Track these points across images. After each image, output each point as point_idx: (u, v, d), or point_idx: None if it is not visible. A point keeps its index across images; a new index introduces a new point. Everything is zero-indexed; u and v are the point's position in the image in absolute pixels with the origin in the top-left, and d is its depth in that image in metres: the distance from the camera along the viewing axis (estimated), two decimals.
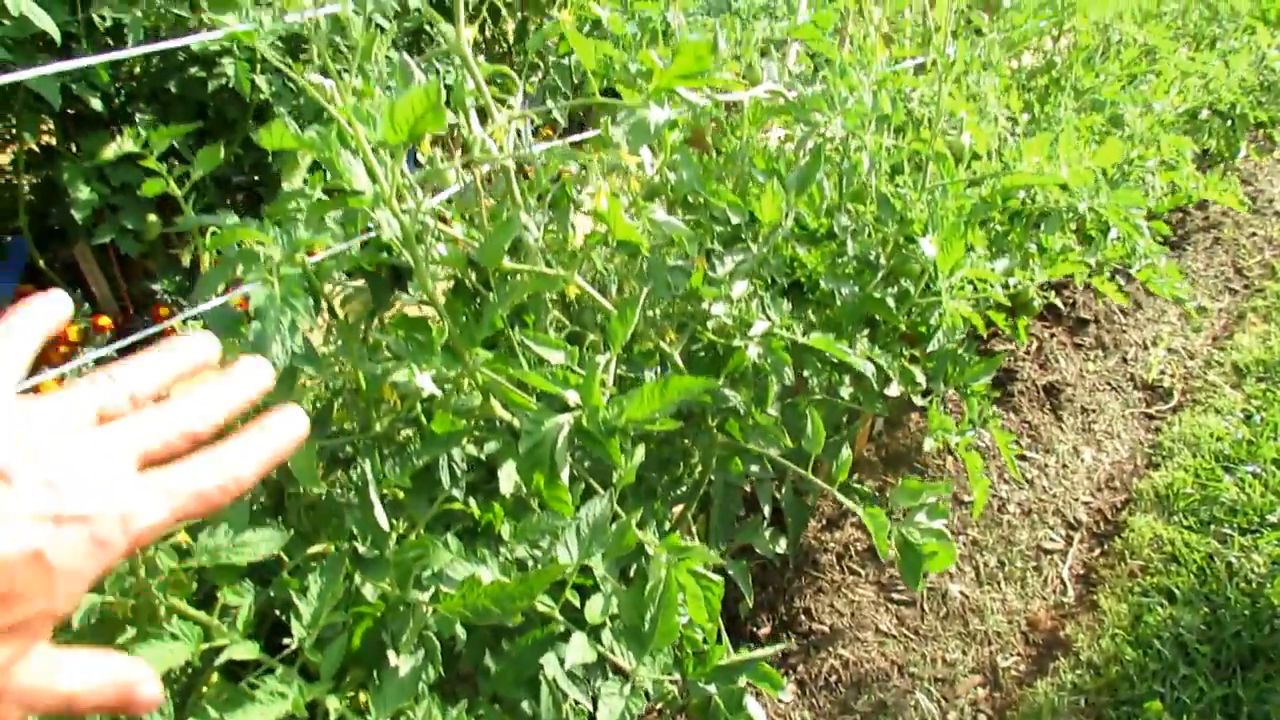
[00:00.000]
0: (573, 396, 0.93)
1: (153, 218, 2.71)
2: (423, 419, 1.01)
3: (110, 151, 1.00)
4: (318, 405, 1.06)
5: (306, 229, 0.79)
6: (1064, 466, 2.46)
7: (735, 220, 1.25)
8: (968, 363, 1.78)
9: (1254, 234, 3.78)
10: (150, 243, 2.75)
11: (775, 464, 1.36)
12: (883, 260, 1.47)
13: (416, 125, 0.70)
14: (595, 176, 0.94)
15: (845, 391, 1.66)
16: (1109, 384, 2.80)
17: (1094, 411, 2.67)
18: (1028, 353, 2.81)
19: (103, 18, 2.28)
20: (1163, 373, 2.86)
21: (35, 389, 2.35)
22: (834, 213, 1.44)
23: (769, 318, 1.24)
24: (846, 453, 1.28)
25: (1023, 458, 2.46)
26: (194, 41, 2.17)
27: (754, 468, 1.45)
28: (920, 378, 1.70)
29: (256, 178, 2.95)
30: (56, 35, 1.96)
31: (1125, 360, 2.90)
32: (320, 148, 0.87)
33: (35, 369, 2.27)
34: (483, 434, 1.10)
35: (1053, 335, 2.91)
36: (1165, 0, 2.41)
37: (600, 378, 0.91)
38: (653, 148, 1.16)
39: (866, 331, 1.62)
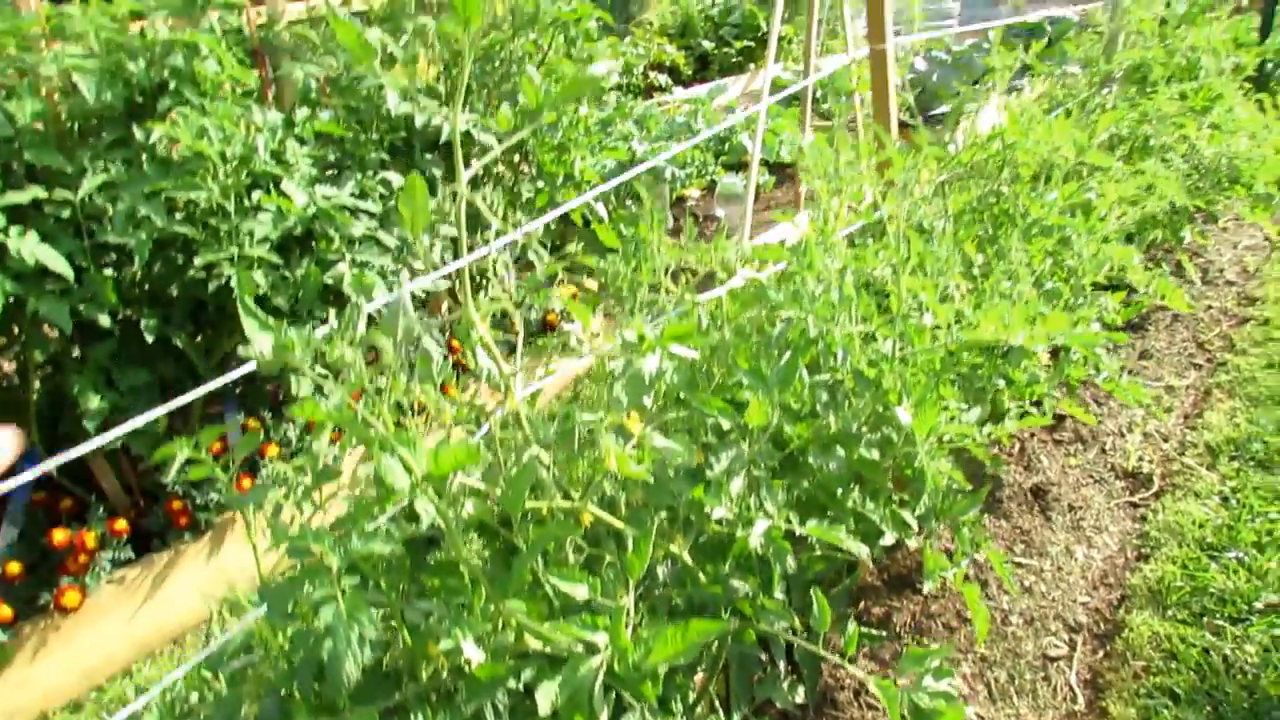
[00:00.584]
0: (601, 638, 1.03)
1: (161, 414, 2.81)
2: (465, 666, 1.10)
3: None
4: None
5: (359, 536, 0.89)
6: (1059, 569, 2.55)
7: (726, 425, 1.36)
8: (955, 499, 1.89)
9: (1209, 306, 3.95)
10: (157, 436, 2.85)
11: (786, 639, 1.45)
12: (864, 430, 1.58)
13: (457, 464, 0.81)
14: (601, 436, 1.05)
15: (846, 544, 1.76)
16: (1092, 477, 2.91)
17: (1081, 508, 2.77)
18: (1011, 455, 2.93)
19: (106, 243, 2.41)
20: (1141, 459, 2.98)
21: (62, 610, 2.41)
22: (816, 390, 1.57)
23: (767, 512, 1.35)
24: (851, 628, 1.38)
25: (1019, 564, 2.55)
26: (199, 260, 2.31)
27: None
28: (911, 521, 1.81)
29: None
30: (69, 273, 2.09)
31: (1104, 451, 3.02)
32: (351, 425, 0.98)
33: (55, 580, 2.32)
34: (517, 663, 1.18)
35: (1033, 435, 3.04)
36: (1100, 123, 2.59)
37: (624, 618, 1.01)
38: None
39: (856, 488, 1.73)
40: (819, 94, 7.48)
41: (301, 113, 2.62)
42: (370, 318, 1.03)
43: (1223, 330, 3.76)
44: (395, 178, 2.91)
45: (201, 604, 2.76)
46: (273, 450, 3.00)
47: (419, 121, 2.83)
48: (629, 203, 5.10)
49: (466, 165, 1.14)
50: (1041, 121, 2.50)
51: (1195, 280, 4.02)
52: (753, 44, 10.22)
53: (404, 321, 1.01)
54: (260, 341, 0.94)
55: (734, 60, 10.21)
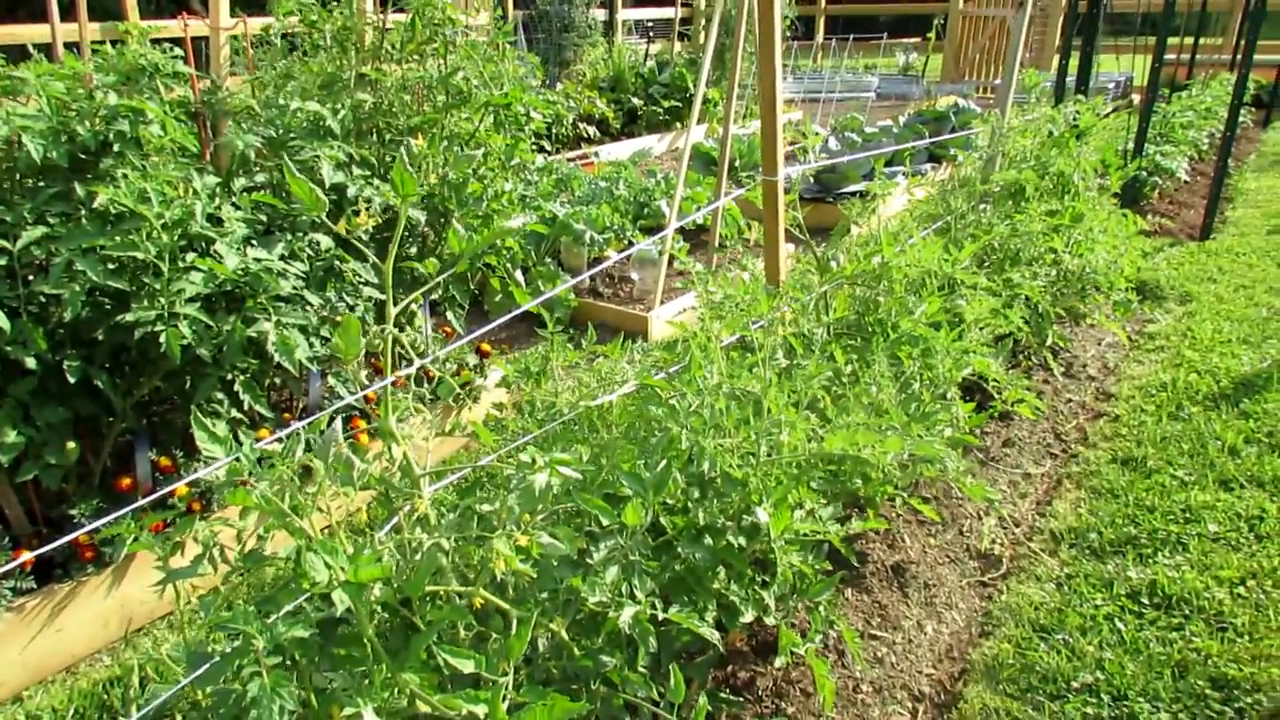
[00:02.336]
0: (481, 710, 1.23)
1: (71, 445, 2.89)
2: None
3: None
4: None
5: (282, 623, 1.08)
6: (910, 641, 2.83)
7: (606, 522, 1.58)
8: (811, 582, 2.15)
9: (1069, 399, 4.36)
10: (67, 468, 2.92)
11: (650, 708, 1.67)
12: (729, 523, 1.82)
13: (372, 577, 1.01)
14: (498, 539, 1.26)
15: (709, 617, 1.99)
16: (949, 556, 3.22)
17: (935, 585, 3.07)
18: (878, 535, 3.22)
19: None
20: (994, 542, 3.30)
21: None
22: (690, 488, 1.80)
23: (636, 599, 1.57)
24: (702, 700, 1.60)
25: (875, 636, 2.82)
26: (130, 316, 2.45)
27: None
28: (771, 601, 2.05)
29: (178, 400, 3.16)
30: (5, 325, 2.21)
31: (962, 533, 3.34)
32: (280, 517, 1.17)
33: None
34: None
35: (899, 516, 3.34)
36: (965, 251, 2.92)
37: (503, 694, 1.21)
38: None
39: (723, 570, 1.97)
40: (736, 161, 7.87)
41: (240, 181, 2.77)
42: (308, 443, 1.23)
43: (1079, 423, 4.16)
44: (325, 240, 3.08)
45: (99, 634, 2.84)
46: (183, 490, 3.09)
47: (351, 191, 3.01)
48: (548, 260, 5.33)
49: (396, 303, 1.34)
50: (915, 245, 2.81)
51: (1058, 376, 4.43)
52: (680, 104, 10.64)
53: (333, 449, 1.21)
54: (211, 450, 1.12)
55: (661, 118, 10.60)
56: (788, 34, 12.09)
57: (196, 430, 1.13)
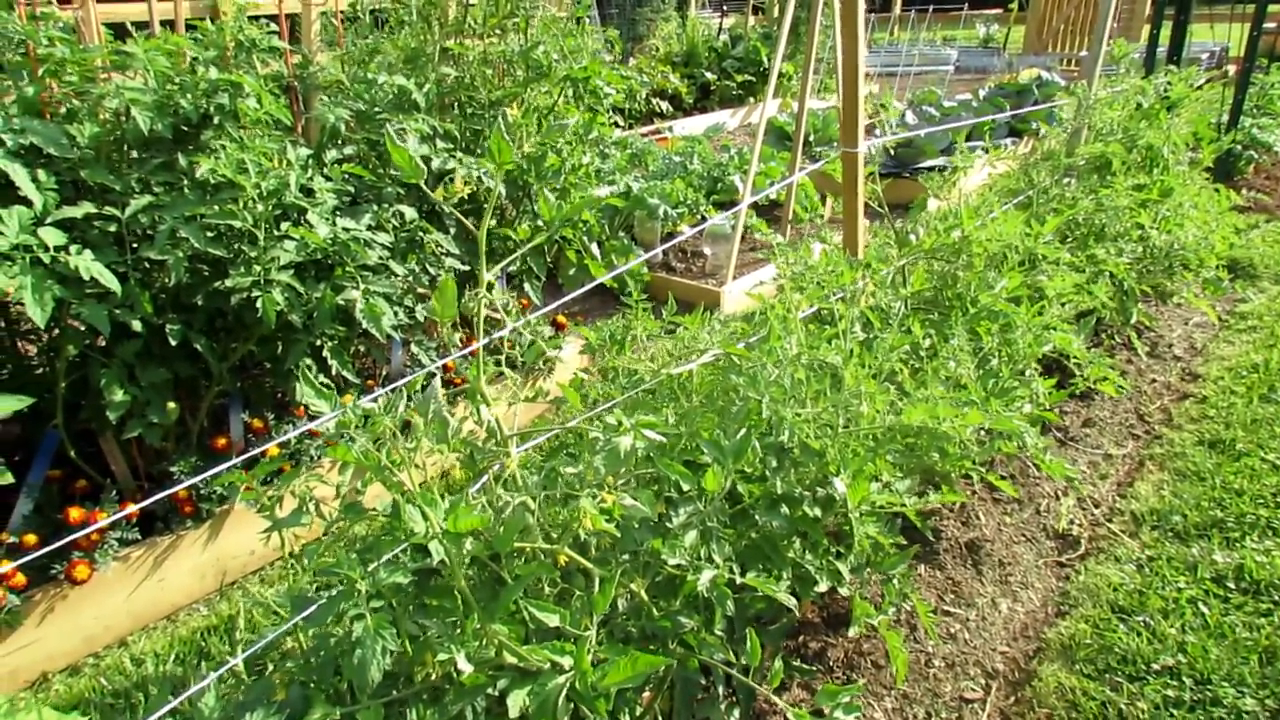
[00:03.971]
0: (567, 661, 1.28)
1: (172, 405, 3.03)
2: (454, 674, 1.35)
3: None
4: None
5: (384, 570, 1.14)
6: (983, 619, 2.82)
7: (686, 487, 1.62)
8: (886, 554, 2.16)
9: (1154, 380, 4.25)
10: (168, 427, 3.07)
11: (725, 670, 1.70)
12: (806, 493, 1.84)
13: (471, 527, 1.07)
14: (584, 499, 1.31)
15: (784, 586, 2.02)
16: (1024, 535, 3.18)
17: (1010, 564, 3.04)
18: (951, 512, 3.20)
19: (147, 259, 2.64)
20: (1072, 522, 3.25)
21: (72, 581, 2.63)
22: (767, 457, 1.82)
23: (714, 562, 1.60)
24: (778, 664, 1.63)
25: (948, 613, 2.82)
26: (230, 282, 2.55)
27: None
28: (845, 572, 2.07)
29: (269, 365, 3.28)
30: (119, 289, 2.33)
31: (1039, 512, 3.30)
32: (378, 471, 1.23)
33: (68, 553, 2.55)
34: (495, 674, 1.43)
35: (974, 493, 3.31)
36: (1048, 225, 2.87)
37: (587, 647, 1.26)
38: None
39: (799, 539, 1.99)
40: (810, 136, 7.79)
41: (330, 153, 2.86)
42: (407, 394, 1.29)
43: (1163, 404, 4.06)
44: (409, 211, 3.15)
45: (197, 585, 2.99)
46: (274, 450, 3.23)
47: (435, 164, 3.08)
48: (621, 234, 5.37)
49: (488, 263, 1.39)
50: (996, 219, 2.77)
51: (1142, 355, 4.31)
52: (753, 78, 10.53)
53: (433, 405, 1.26)
54: (317, 405, 1.18)
55: (734, 92, 10.52)
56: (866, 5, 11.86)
57: (303, 384, 1.19)
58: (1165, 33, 6.32)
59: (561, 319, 4.08)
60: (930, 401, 2.00)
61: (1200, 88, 4.51)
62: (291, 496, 1.54)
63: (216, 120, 2.65)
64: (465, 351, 3.24)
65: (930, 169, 6.99)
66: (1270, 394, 3.96)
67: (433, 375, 2.46)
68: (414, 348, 3.31)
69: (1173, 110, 4.40)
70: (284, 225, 2.67)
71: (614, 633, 1.64)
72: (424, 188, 1.46)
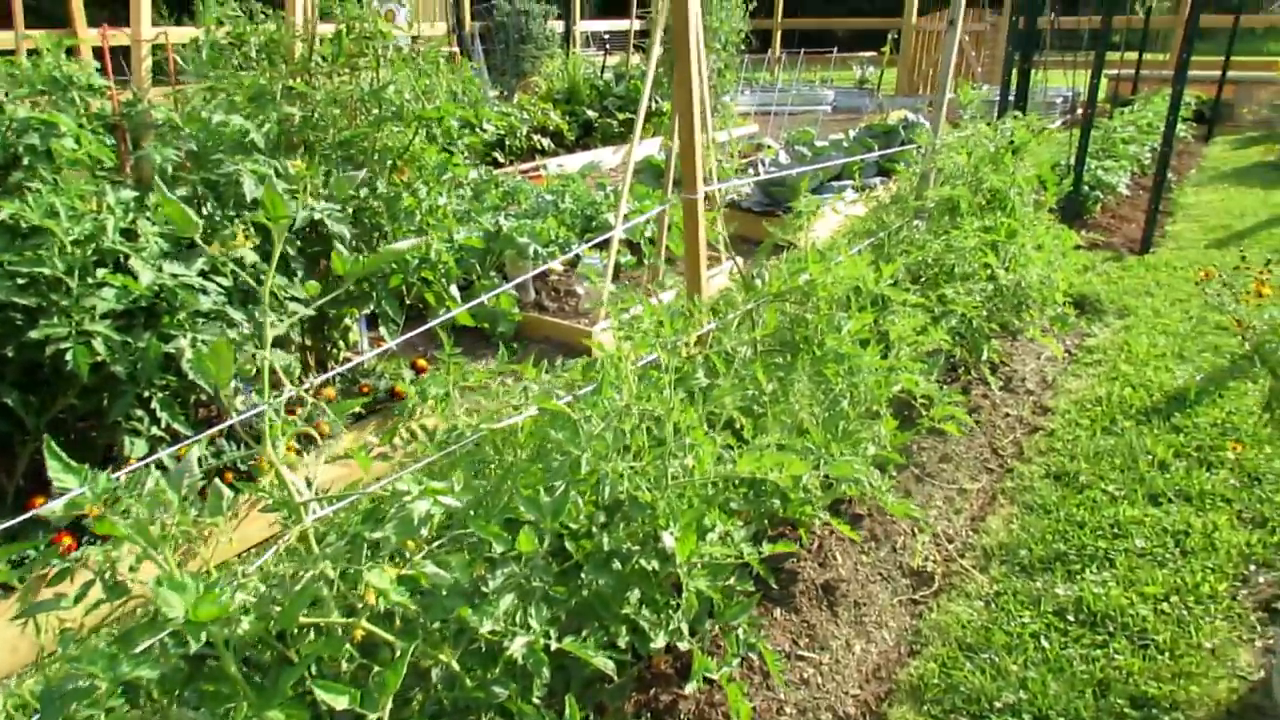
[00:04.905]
0: None
1: None
2: None
3: None
4: None
5: (128, 661, 1.04)
6: (837, 662, 2.82)
7: (500, 549, 1.56)
8: (726, 605, 2.13)
9: (1007, 414, 4.40)
10: None
11: None
12: (636, 548, 1.80)
13: (211, 616, 0.98)
14: (370, 571, 1.23)
15: (622, 642, 1.96)
16: (880, 574, 3.22)
17: (865, 604, 3.07)
18: (809, 552, 3.21)
19: None
20: (926, 559, 3.31)
21: None
22: (596, 513, 1.78)
23: (530, 627, 1.54)
24: None
25: (801, 657, 2.81)
26: (37, 334, 2.38)
27: None
28: (683, 626, 2.03)
29: (88, 420, 3.09)
30: None
31: (895, 549, 3.35)
32: (145, 546, 1.13)
33: None
34: None
35: (832, 533, 3.34)
36: (887, 269, 2.93)
37: None
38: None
39: (635, 593, 1.95)
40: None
41: (154, 197, 2.71)
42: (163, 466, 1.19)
43: (1016, 438, 4.19)
44: (249, 255, 3.02)
45: (7, 659, 2.75)
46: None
47: None
48: (493, 273, 5.30)
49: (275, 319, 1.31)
50: (843, 261, 2.82)
51: (995, 390, 4.46)
52: (633, 115, 10.65)
53: (188, 479, 1.17)
54: (64, 480, 1.08)
55: (616, 130, 10.61)
56: (742, 47, 12.17)
57: (49, 459, 1.09)
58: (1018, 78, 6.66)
59: (422, 362, 3.97)
60: (766, 449, 1.99)
61: (1055, 129, 4.73)
62: (87, 570, 1.41)
63: (27, 161, 2.48)
64: (262, 408, 3.10)
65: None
66: (1111, 426, 4.15)
67: (194, 446, 2.32)
68: (256, 396, 3.15)
69: (1018, 154, 4.60)
70: (101, 272, 2.51)
71: (427, 706, 1.55)
72: (198, 241, 1.37)
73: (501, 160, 9.16)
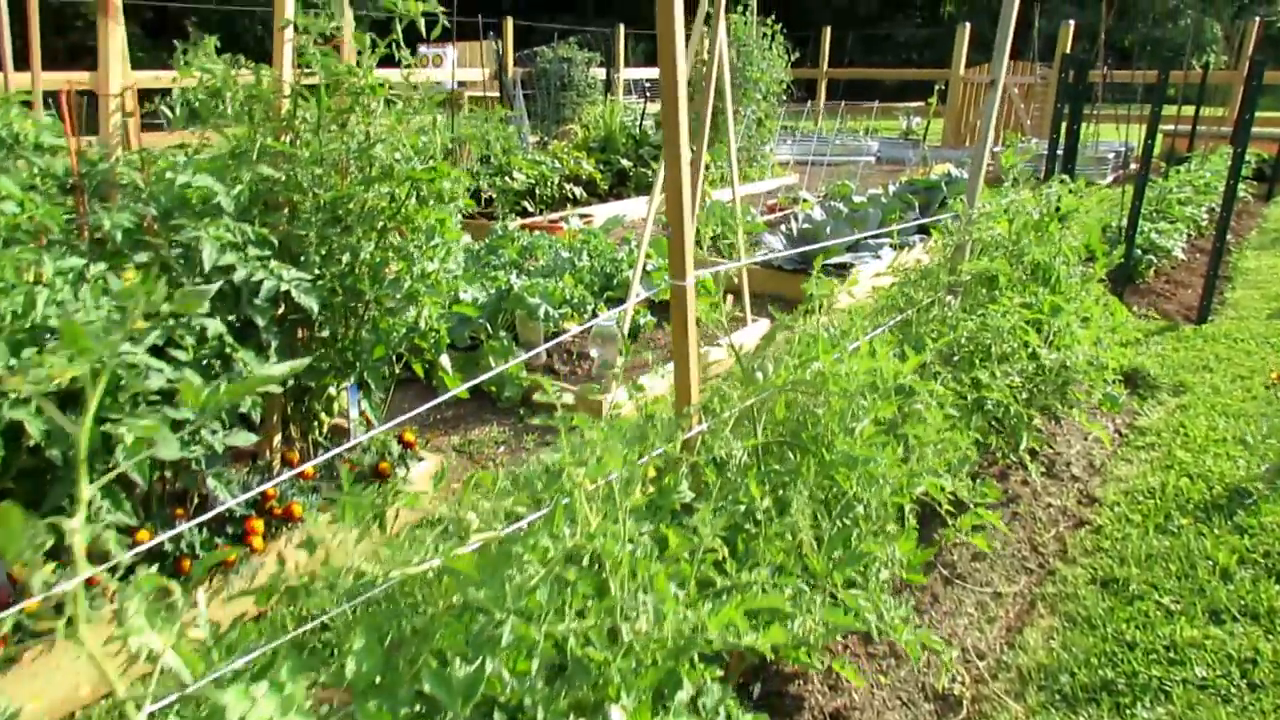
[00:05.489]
0: None
1: None
2: None
3: None
4: None
5: None
6: None
7: None
8: None
9: (1049, 504, 4.01)
10: None
11: None
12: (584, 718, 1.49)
13: None
14: None
15: None
16: (900, 698, 2.85)
17: None
18: (818, 674, 2.86)
19: None
20: (953, 680, 2.94)
21: None
22: (529, 679, 1.47)
23: None
24: None
25: None
26: None
27: None
28: None
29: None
30: None
31: (917, 668, 2.98)
32: None
33: None
34: None
35: (846, 648, 2.98)
36: (909, 363, 2.61)
37: None
38: None
39: None
40: (718, 229, 7.62)
41: (96, 267, 2.49)
42: None
43: (1059, 532, 3.81)
44: (213, 324, 2.79)
45: None
46: None
47: (239, 275, 2.73)
48: (503, 334, 5.05)
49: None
50: (860, 349, 2.51)
51: (1036, 478, 4.07)
52: None
53: None
54: None
55: (651, 180, 10.40)
56: (784, 97, 11.97)
57: None
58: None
59: (409, 435, 3.71)
60: (749, 590, 1.67)
61: (1106, 187, 4.38)
62: None
63: None
64: (73, 584, 2.86)
65: (836, 266, 6.84)
66: (1166, 523, 3.75)
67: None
68: (211, 480, 2.90)
69: (1064, 221, 4.26)
70: (27, 353, 2.28)
71: None
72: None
73: (531, 209, 8.99)
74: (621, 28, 15.75)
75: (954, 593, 3.36)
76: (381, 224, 3.29)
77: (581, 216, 8.74)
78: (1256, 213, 10.51)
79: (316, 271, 3.09)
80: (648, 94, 16.18)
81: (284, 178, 2.94)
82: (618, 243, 6.50)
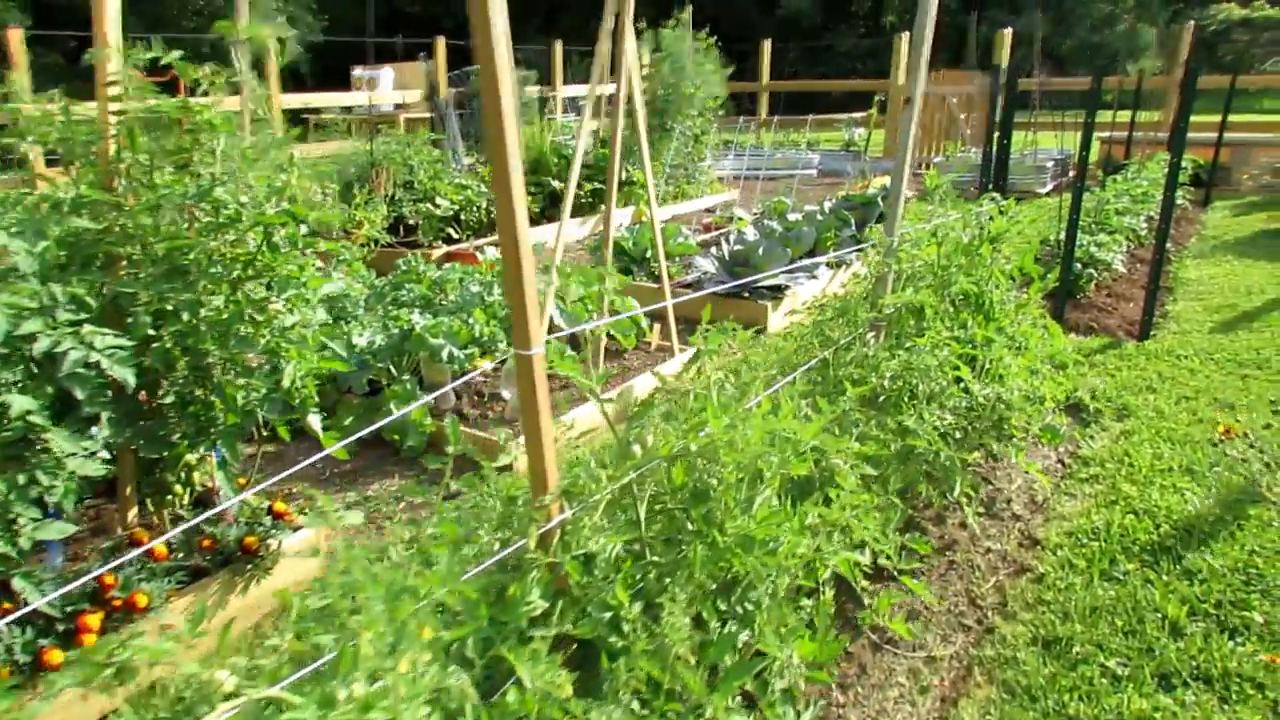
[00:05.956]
0: None
1: None
2: None
3: None
4: None
5: None
6: None
7: None
8: None
9: (989, 549, 3.73)
10: None
11: None
12: None
13: None
14: None
15: None
16: None
17: None
18: None
19: None
20: None
21: None
22: None
23: None
24: None
25: None
26: None
27: None
28: None
29: None
30: None
31: None
32: None
33: None
34: None
35: None
36: (812, 428, 2.30)
37: None
38: None
39: None
40: (648, 253, 7.32)
41: None
42: None
43: (999, 581, 3.52)
44: (19, 400, 2.41)
45: None
46: None
47: (42, 345, 2.35)
48: (406, 377, 4.69)
49: None
50: (760, 406, 2.20)
51: (972, 522, 3.78)
52: (603, 185, 10.13)
53: None
54: None
55: (584, 201, 10.09)
56: (719, 112, 11.73)
57: None
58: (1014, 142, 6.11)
59: (280, 505, 3.33)
60: None
61: (1014, 219, 4.14)
62: None
63: None
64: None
65: (768, 289, 6.57)
66: (1112, 569, 3.48)
67: None
68: (18, 581, 2.51)
69: (997, 242, 4.01)
70: None
71: None
72: None
73: (457, 235, 8.61)
74: (559, 44, 15.45)
75: (883, 660, 3.05)
76: (235, 274, 2.92)
77: (493, 244, 8.39)
78: (1195, 219, 10.45)
79: (151, 332, 2.72)
80: (574, 110, 15.87)
81: (103, 228, 2.57)
82: (539, 270, 6.15)
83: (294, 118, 14.54)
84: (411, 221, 8.43)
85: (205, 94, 2.92)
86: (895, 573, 2.66)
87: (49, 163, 2.65)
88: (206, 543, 3.13)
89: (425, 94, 14.22)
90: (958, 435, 3.47)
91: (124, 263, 2.74)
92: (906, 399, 3.23)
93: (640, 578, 1.97)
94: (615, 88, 4.89)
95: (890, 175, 10.41)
